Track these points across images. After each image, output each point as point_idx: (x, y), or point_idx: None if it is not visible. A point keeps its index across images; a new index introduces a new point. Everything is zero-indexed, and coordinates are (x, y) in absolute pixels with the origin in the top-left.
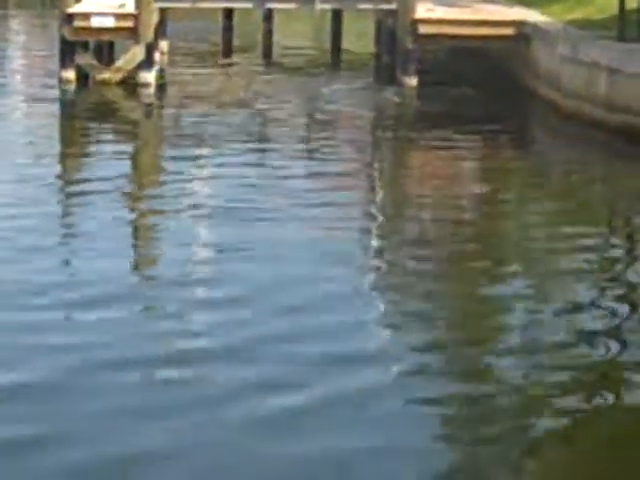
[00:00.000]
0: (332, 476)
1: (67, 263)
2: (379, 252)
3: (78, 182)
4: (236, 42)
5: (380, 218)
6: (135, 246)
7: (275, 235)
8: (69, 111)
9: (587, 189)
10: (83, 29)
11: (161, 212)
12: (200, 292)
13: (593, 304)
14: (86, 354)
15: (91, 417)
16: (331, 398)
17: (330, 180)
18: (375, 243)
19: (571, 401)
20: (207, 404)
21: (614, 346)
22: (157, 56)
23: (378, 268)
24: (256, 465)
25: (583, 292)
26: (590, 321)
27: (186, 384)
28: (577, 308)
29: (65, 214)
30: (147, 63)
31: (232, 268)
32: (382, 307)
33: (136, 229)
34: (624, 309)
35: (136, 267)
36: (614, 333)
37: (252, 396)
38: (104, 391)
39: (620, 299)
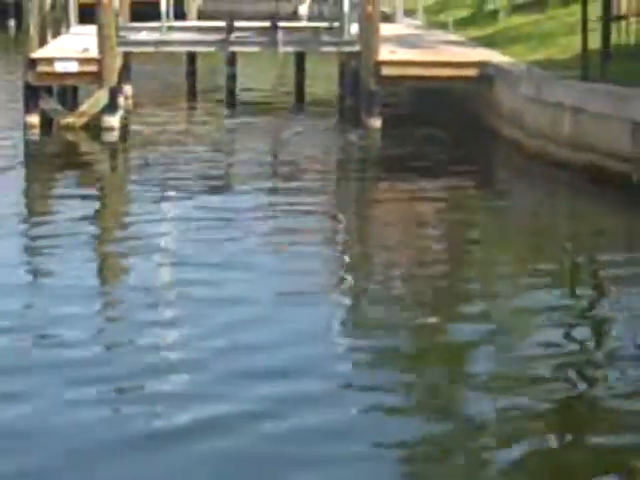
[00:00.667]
0: None
1: (31, 306)
2: (341, 305)
3: (43, 226)
4: (200, 85)
5: (342, 269)
6: (99, 291)
7: (235, 282)
8: (33, 157)
9: (552, 227)
10: (47, 74)
11: (125, 256)
12: (163, 332)
13: (557, 339)
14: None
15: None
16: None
17: (292, 230)
18: (336, 297)
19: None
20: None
21: (581, 382)
22: (121, 100)
23: (342, 321)
24: None
25: (547, 328)
26: (555, 357)
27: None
28: (541, 344)
29: (30, 260)
30: (111, 107)
31: (194, 311)
32: (347, 353)
33: (101, 273)
34: (590, 343)
35: (100, 311)
36: (582, 368)
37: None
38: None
39: (585, 334)
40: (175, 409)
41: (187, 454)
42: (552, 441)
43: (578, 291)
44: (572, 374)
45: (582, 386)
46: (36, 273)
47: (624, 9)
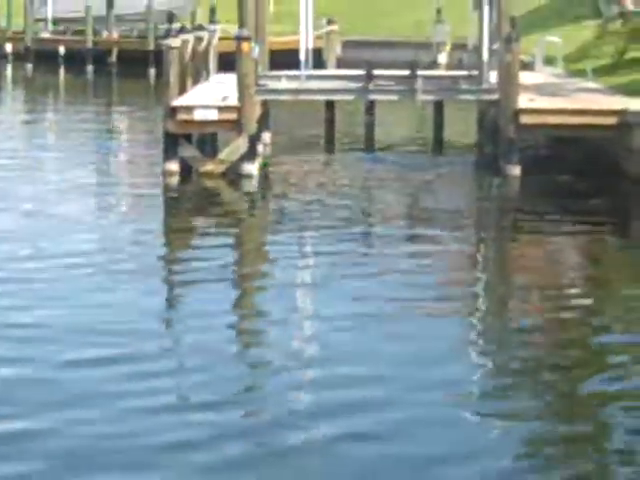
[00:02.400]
0: None
1: (172, 348)
2: (485, 347)
3: (182, 272)
4: (338, 133)
5: (484, 312)
6: (237, 335)
7: (377, 331)
8: (173, 203)
9: None
10: (186, 122)
11: (263, 295)
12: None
13: None
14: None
15: None
16: None
17: (433, 275)
18: (480, 339)
19: None
20: None
21: None
22: (260, 147)
23: (484, 363)
24: None
25: None
26: None
27: None
28: None
29: (169, 302)
30: (250, 155)
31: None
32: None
33: (239, 320)
34: None
35: (239, 356)
36: None
37: None
38: None
39: None
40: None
41: None
42: None
43: None
44: None
45: None
46: (173, 317)
47: None
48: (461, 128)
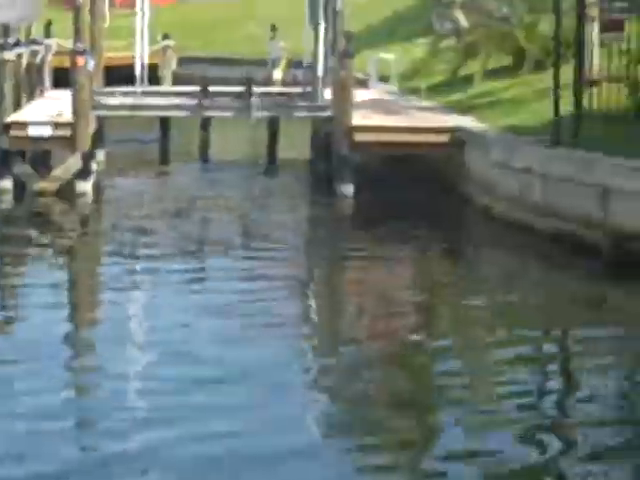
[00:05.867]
0: None
1: None
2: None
3: (14, 297)
4: (173, 150)
5: (314, 334)
6: (69, 369)
7: (210, 354)
8: (5, 222)
9: (521, 295)
10: (20, 138)
11: (97, 332)
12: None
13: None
14: None
15: None
16: None
17: (265, 297)
18: (310, 364)
19: None
20: None
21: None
22: (94, 165)
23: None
24: None
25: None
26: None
27: None
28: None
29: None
30: (84, 172)
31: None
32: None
33: (73, 347)
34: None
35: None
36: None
37: None
38: None
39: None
40: None
41: None
42: None
43: (546, 358)
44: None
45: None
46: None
47: (596, 74)
48: (296, 145)
